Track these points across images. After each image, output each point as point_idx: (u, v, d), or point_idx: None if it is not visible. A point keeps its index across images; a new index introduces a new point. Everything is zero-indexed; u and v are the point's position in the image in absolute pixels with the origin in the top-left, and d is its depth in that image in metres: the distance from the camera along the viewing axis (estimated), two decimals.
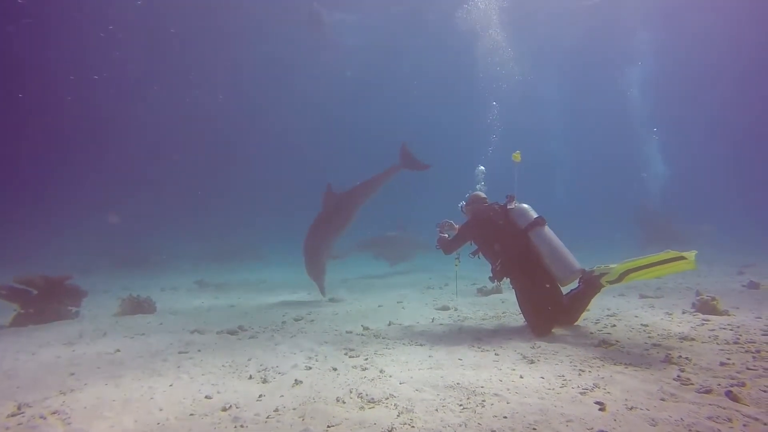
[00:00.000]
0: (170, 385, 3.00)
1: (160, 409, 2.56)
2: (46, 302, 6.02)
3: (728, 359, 2.98)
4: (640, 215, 17.09)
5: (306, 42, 27.08)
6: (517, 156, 5.14)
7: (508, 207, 4.59)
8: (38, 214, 30.18)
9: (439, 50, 28.20)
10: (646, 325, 4.19)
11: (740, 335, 3.63)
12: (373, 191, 8.21)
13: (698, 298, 4.90)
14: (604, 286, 4.06)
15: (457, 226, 4.89)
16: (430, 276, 11.14)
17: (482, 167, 5.72)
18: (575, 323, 4.32)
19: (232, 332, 4.79)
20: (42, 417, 2.46)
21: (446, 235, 4.91)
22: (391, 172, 8.20)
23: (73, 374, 3.36)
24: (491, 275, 4.59)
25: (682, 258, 3.53)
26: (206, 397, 2.73)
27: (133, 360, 3.75)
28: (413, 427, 2.17)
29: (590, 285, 4.11)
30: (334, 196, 7.95)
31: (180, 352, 3.95)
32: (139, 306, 6.54)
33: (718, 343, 3.42)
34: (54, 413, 2.52)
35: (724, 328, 3.92)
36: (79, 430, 2.29)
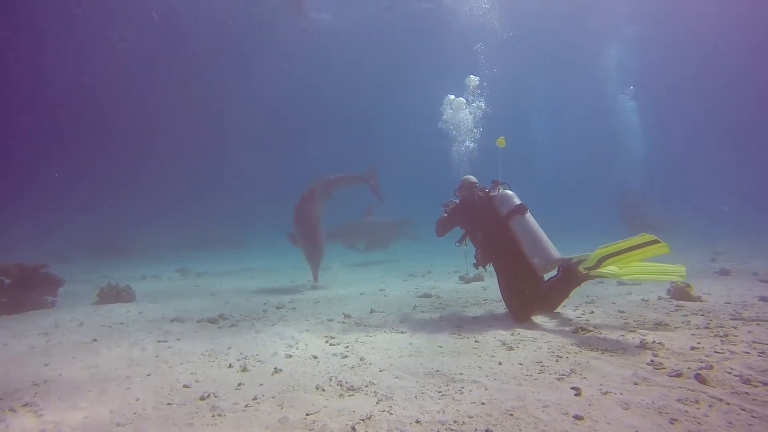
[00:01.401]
0: (148, 375, 2.96)
1: (137, 399, 2.52)
2: (20, 291, 5.85)
3: (698, 343, 3.07)
4: (621, 203, 17.35)
5: (290, 30, 26.55)
6: (501, 141, 5.14)
7: (491, 194, 4.59)
8: (17, 203, 29.34)
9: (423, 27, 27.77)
10: (623, 312, 4.28)
11: (710, 320, 3.75)
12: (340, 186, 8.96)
13: (673, 284, 5.02)
14: (585, 278, 4.04)
15: None
16: (413, 264, 11.20)
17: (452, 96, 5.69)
18: (555, 310, 4.40)
19: (212, 321, 4.74)
20: (12, 410, 2.40)
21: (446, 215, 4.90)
22: (355, 180, 9.33)
23: (47, 365, 3.29)
24: (474, 261, 4.62)
25: (657, 242, 3.63)
26: (184, 386, 2.71)
27: (110, 349, 3.69)
28: (392, 414, 2.18)
29: (568, 273, 4.13)
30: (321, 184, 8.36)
31: (159, 341, 3.90)
32: (119, 295, 6.42)
33: (690, 328, 3.53)
34: (25, 405, 2.46)
35: (695, 314, 4.04)
36: (51, 422, 2.24)
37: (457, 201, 4.91)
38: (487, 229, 4.44)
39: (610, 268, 3.85)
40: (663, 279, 3.89)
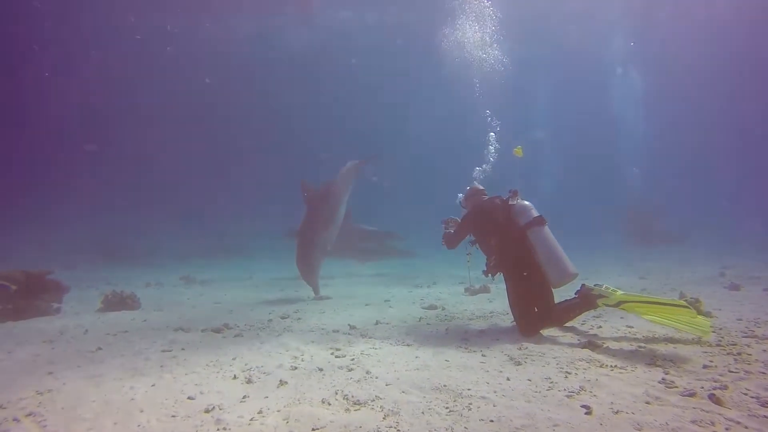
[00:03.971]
0: (152, 385, 2.94)
1: (141, 411, 2.50)
2: (25, 298, 5.86)
3: (711, 362, 3.01)
4: (627, 213, 17.25)
5: (295, 29, 26.72)
6: (518, 151, 5.12)
7: (510, 203, 4.56)
8: (21, 207, 29.54)
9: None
10: (632, 327, 4.22)
11: (722, 337, 3.67)
12: (349, 182, 8.41)
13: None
14: (600, 307, 4.02)
15: None
16: (417, 274, 11.14)
17: None
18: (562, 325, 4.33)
19: (217, 330, 4.72)
20: (16, 419, 2.38)
21: (451, 231, 4.88)
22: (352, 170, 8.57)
23: (51, 373, 3.27)
24: (485, 269, 4.56)
25: (687, 308, 3.55)
26: (189, 398, 2.68)
27: (114, 358, 3.67)
28: (399, 430, 2.14)
29: (587, 302, 4.06)
30: (312, 191, 7.91)
31: (163, 351, 3.87)
32: (123, 302, 6.42)
33: (701, 346, 3.46)
34: (29, 415, 2.44)
35: None
36: None
37: (458, 219, 4.92)
38: (502, 238, 4.40)
39: (631, 307, 3.79)
40: (683, 329, 3.52)
